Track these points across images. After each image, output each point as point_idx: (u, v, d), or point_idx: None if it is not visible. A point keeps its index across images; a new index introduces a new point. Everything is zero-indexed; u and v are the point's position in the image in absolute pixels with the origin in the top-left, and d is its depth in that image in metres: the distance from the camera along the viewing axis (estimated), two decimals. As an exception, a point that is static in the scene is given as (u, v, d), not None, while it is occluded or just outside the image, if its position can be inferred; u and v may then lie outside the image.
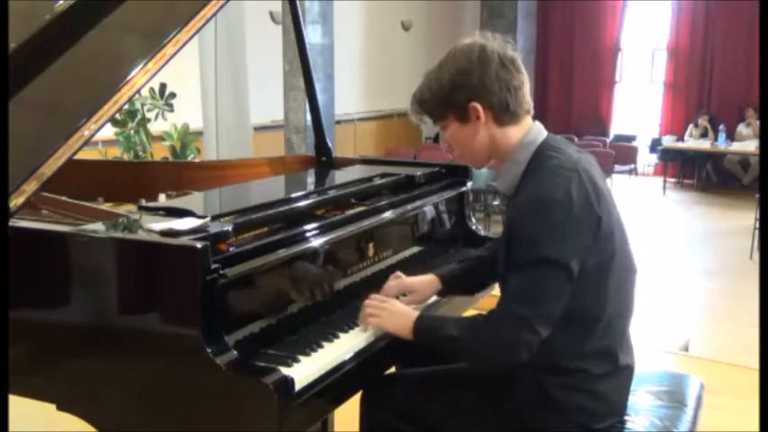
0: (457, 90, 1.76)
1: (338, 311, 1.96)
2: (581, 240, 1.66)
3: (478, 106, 1.75)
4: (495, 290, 1.95)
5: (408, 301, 2.02)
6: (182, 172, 2.77)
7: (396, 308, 1.87)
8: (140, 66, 1.87)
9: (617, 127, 11.62)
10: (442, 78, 1.78)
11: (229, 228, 1.68)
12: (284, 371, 1.57)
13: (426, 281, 2.09)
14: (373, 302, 1.88)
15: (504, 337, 1.66)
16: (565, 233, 1.64)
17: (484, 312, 1.76)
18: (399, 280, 2.06)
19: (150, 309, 1.61)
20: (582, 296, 1.70)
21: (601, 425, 1.81)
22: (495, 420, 1.83)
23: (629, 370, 1.86)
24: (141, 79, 1.87)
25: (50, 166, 1.74)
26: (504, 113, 1.77)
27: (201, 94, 6.01)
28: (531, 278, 1.66)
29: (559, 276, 1.65)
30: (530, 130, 1.80)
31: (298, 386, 1.56)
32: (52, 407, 1.72)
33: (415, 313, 1.84)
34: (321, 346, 1.75)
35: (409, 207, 2.34)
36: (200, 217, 1.73)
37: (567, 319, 1.69)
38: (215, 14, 2.02)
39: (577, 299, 1.70)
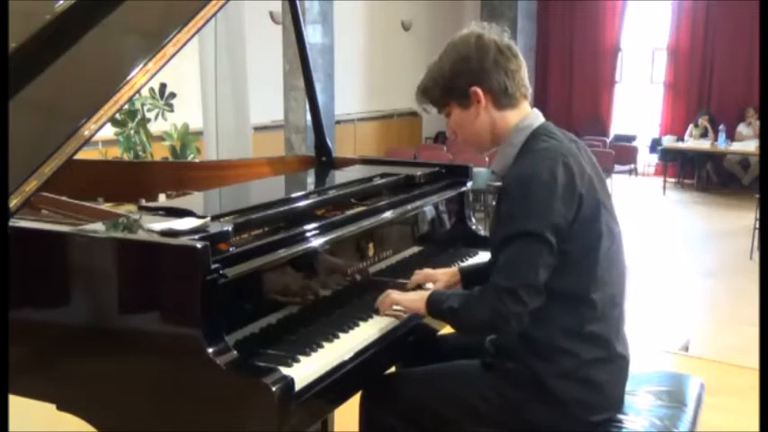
0: (458, 76, 1.86)
1: (338, 311, 1.96)
2: (559, 217, 1.73)
3: (479, 90, 1.85)
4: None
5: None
6: (182, 172, 2.77)
7: (411, 292, 2.05)
8: (140, 66, 1.87)
9: (617, 127, 11.59)
10: (444, 67, 1.88)
11: (229, 228, 1.67)
12: (284, 371, 1.57)
13: (449, 272, 2.18)
14: (394, 292, 1.99)
15: (493, 309, 1.74)
16: (543, 209, 1.72)
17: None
18: (424, 271, 2.17)
19: (150, 309, 1.61)
20: (570, 277, 1.77)
21: (598, 417, 1.84)
22: (495, 418, 1.84)
23: (624, 361, 1.89)
24: (141, 79, 1.87)
25: (50, 166, 1.74)
26: (503, 97, 1.86)
27: (201, 94, 6.00)
28: (511, 252, 1.75)
29: (538, 248, 1.72)
30: (527, 116, 1.89)
31: (298, 386, 1.56)
32: (52, 407, 1.72)
33: (428, 292, 1.96)
34: (321, 346, 1.75)
35: (409, 207, 2.34)
36: (200, 217, 1.73)
37: (558, 296, 1.77)
38: (215, 14, 2.02)
39: (565, 280, 1.77)
